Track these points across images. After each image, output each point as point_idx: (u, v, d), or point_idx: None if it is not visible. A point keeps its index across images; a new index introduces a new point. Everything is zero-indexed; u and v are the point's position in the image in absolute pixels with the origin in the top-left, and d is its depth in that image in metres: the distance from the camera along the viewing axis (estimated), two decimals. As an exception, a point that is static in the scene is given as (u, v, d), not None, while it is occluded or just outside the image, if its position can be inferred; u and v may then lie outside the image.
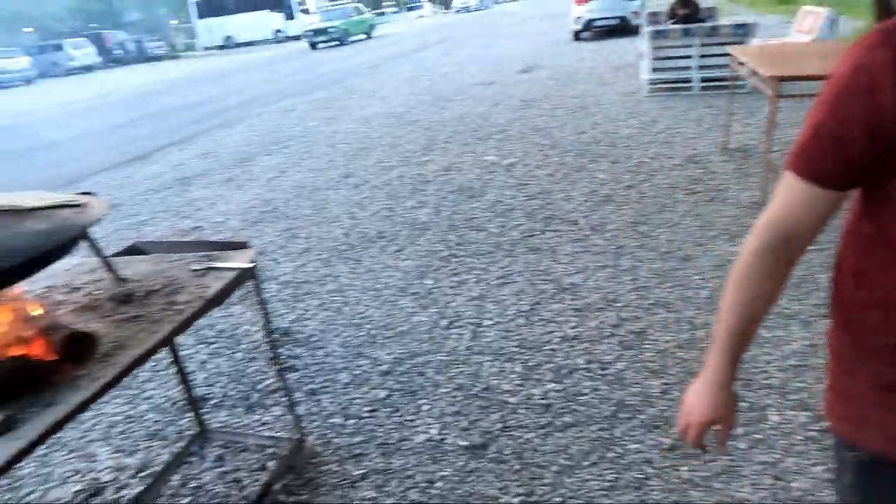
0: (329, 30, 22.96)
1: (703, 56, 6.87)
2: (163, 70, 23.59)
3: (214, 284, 1.43)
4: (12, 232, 1.14)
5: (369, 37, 25.78)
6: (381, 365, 2.59)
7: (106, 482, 2.10)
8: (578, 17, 13.11)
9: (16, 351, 1.14)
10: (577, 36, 13.36)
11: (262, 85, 13.53)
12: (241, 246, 1.69)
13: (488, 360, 2.53)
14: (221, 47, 32.95)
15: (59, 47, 26.96)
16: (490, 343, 2.66)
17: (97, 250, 1.49)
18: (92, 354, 1.17)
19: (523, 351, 2.57)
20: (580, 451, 1.99)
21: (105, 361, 1.16)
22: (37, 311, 1.28)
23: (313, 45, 23.10)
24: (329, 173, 5.58)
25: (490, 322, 2.83)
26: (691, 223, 3.60)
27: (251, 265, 1.49)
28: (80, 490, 2.07)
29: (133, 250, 1.84)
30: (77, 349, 1.16)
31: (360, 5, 27.24)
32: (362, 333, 2.86)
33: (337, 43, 22.88)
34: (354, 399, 2.39)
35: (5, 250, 1.09)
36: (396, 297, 3.17)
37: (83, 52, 27.66)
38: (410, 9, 46.34)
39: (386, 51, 18.07)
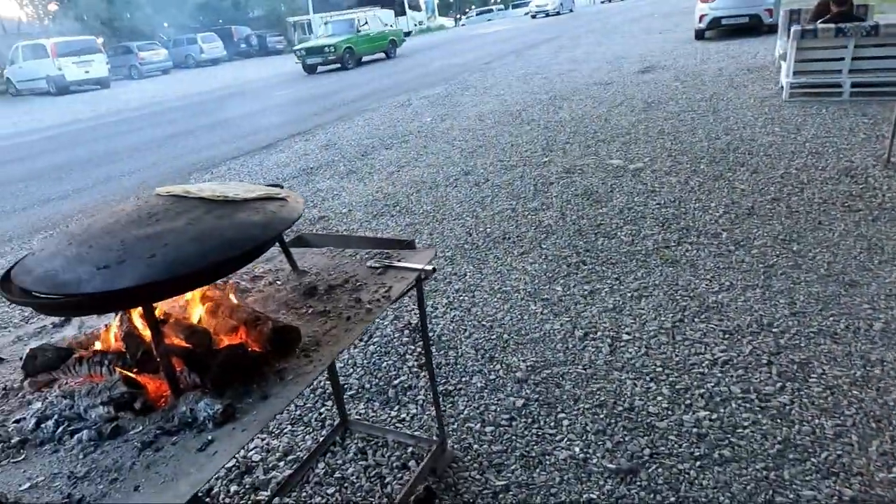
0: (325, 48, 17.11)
1: (856, 59, 6.23)
2: (281, 63, 24.89)
3: (397, 285, 1.43)
4: (230, 223, 1.17)
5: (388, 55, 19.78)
6: (515, 372, 2.53)
7: (256, 462, 2.19)
8: (704, 15, 12.36)
9: (230, 340, 1.18)
10: (701, 35, 12.61)
11: (379, 80, 13.90)
12: (409, 245, 1.68)
13: (630, 378, 2.40)
14: (335, 42, 34.27)
15: (192, 41, 29.20)
16: (631, 360, 2.52)
17: (281, 241, 1.52)
18: (294, 348, 1.19)
19: (669, 372, 2.42)
20: (744, 491, 1.83)
21: (306, 357, 1.18)
22: (237, 301, 1.32)
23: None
24: (448, 170, 5.60)
25: (629, 337, 2.69)
26: (854, 244, 3.24)
27: (431, 267, 1.47)
28: (232, 467, 2.17)
29: (301, 241, 1.89)
30: (282, 342, 1.18)
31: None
32: (493, 337, 2.82)
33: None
34: (490, 405, 2.35)
35: (227, 241, 1.12)
36: (526, 301, 3.09)
37: (212, 46, 29.76)
38: (516, 6, 46.19)
39: (495, 48, 18.00)
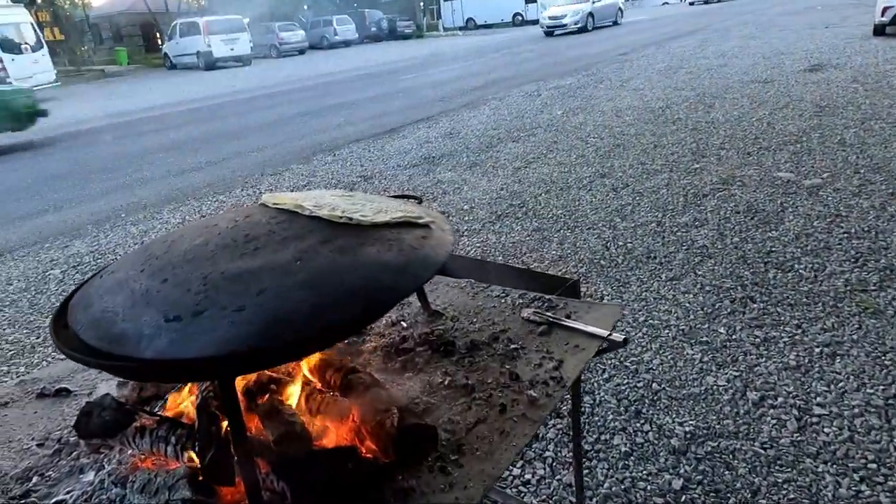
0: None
1: None
2: (409, 47, 25.11)
3: (570, 359, 1.01)
4: (354, 261, 0.81)
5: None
6: (669, 437, 2.04)
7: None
8: (888, 7, 10.63)
9: (336, 428, 0.83)
10: (881, 31, 10.87)
11: (506, 67, 13.46)
12: (573, 287, 1.25)
13: (830, 473, 1.83)
14: (462, 28, 34.24)
15: (328, 23, 30.30)
16: (828, 445, 1.93)
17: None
18: (427, 458, 0.81)
19: (887, 472, 1.81)
20: None
21: (443, 473, 0.79)
22: (352, 369, 0.96)
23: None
24: (581, 170, 5.06)
25: (823, 411, 2.09)
26: None
27: (621, 338, 1.03)
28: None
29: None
30: (409, 444, 0.80)
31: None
32: (640, 384, 2.32)
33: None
34: (638, 480, 1.87)
35: (349, 292, 0.75)
36: (680, 342, 2.56)
37: (345, 29, 30.71)
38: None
39: (631, 38, 16.84)
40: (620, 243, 3.58)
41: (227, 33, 22.25)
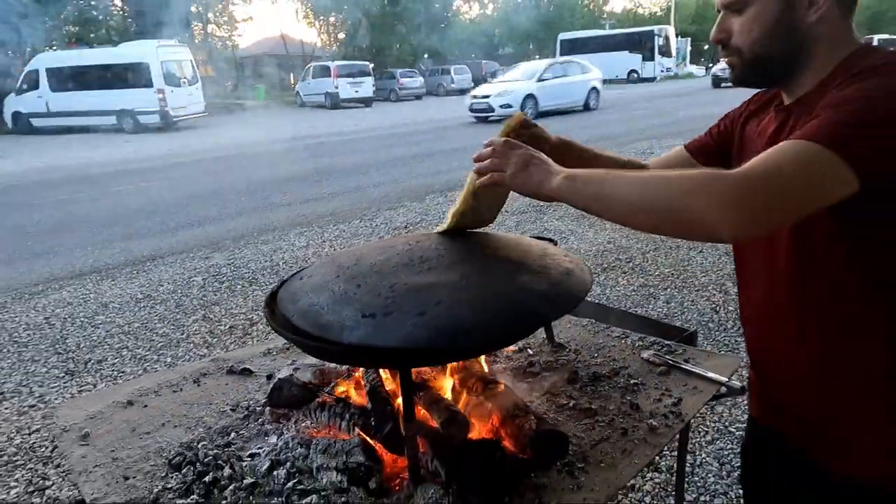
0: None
1: None
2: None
3: (688, 398, 1.10)
4: (509, 287, 0.97)
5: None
6: (774, 509, 1.99)
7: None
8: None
9: (480, 426, 0.98)
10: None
11: (607, 125, 13.50)
12: (690, 338, 1.34)
13: None
14: (575, 82, 34.68)
15: (445, 72, 31.85)
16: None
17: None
18: (557, 461, 0.94)
19: None
20: None
21: (570, 476, 0.92)
22: (492, 376, 1.12)
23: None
24: (692, 231, 5.00)
25: None
26: None
27: (739, 385, 1.11)
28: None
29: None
30: (543, 447, 0.94)
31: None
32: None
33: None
34: (738, 545, 1.85)
35: (506, 312, 0.91)
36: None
37: (462, 78, 32.12)
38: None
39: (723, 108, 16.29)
40: (731, 308, 3.51)
41: (354, 77, 24.02)
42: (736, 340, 3.13)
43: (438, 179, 7.97)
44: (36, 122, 19.07)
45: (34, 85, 18.82)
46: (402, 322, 0.91)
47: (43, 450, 2.45)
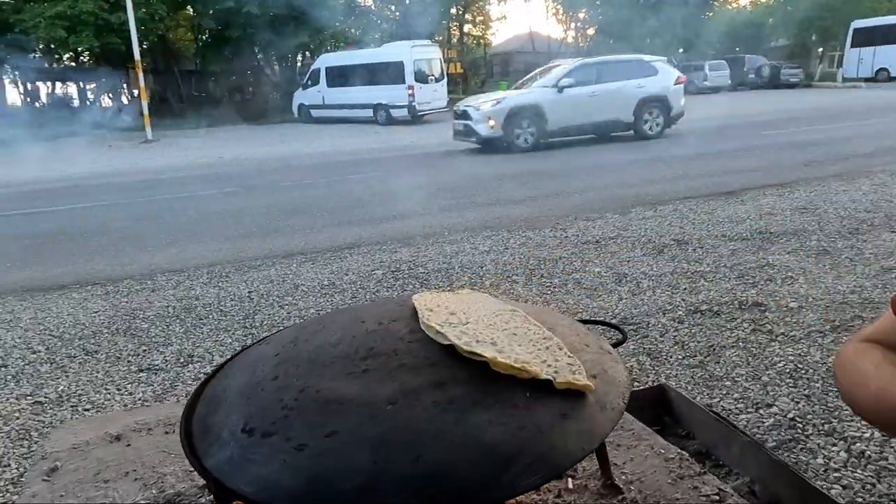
0: None
1: None
2: (788, 97, 22.19)
3: None
4: (445, 428, 0.64)
5: None
6: None
7: None
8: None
9: None
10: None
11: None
12: None
13: None
14: (869, 80, 28.72)
15: (699, 68, 29.04)
16: None
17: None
18: None
19: None
20: None
21: None
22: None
23: None
24: None
25: None
26: None
27: None
28: None
29: (657, 393, 1.20)
30: None
31: None
32: None
33: None
34: None
35: (409, 473, 0.59)
36: None
37: (718, 74, 28.97)
38: None
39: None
40: None
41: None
42: None
43: (654, 189, 7.18)
44: (314, 112, 22.41)
45: (316, 81, 22.14)
46: (273, 455, 0.65)
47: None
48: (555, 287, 4.08)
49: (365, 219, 6.57)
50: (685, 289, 3.92)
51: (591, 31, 40.82)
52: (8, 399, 2.92)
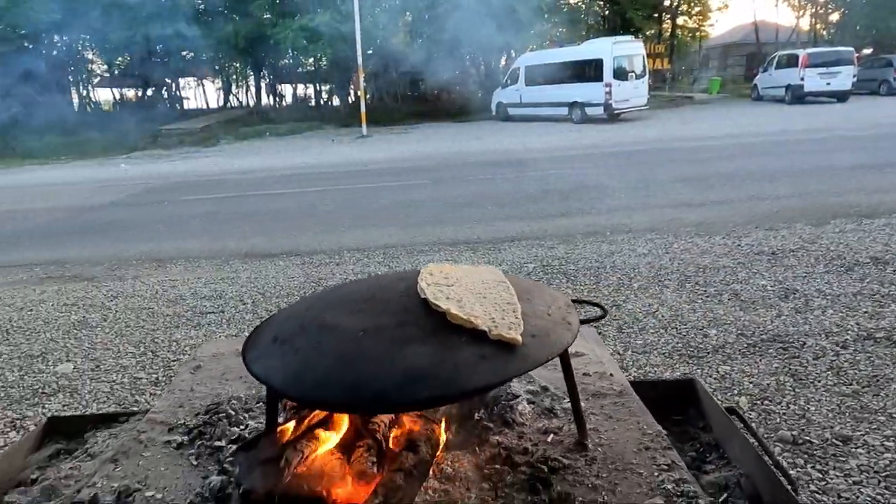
0: None
1: None
2: None
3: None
4: (387, 354, 0.87)
5: None
6: None
7: None
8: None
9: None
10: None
11: None
12: None
13: None
14: None
15: (889, 63, 23.05)
16: None
17: (565, 361, 1.04)
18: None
19: None
20: None
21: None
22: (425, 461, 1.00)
23: None
24: None
25: None
26: None
27: None
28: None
29: (687, 385, 1.27)
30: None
31: None
32: None
33: None
34: None
35: (349, 380, 0.83)
36: None
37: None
38: None
39: None
40: None
41: (828, 66, 20.29)
42: None
43: (870, 200, 6.22)
44: (511, 111, 23.00)
45: (515, 80, 22.68)
46: (281, 353, 0.94)
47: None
48: (707, 296, 3.88)
49: (531, 214, 6.77)
50: (865, 312, 3.46)
51: (834, 17, 35.39)
52: (220, 337, 3.74)
